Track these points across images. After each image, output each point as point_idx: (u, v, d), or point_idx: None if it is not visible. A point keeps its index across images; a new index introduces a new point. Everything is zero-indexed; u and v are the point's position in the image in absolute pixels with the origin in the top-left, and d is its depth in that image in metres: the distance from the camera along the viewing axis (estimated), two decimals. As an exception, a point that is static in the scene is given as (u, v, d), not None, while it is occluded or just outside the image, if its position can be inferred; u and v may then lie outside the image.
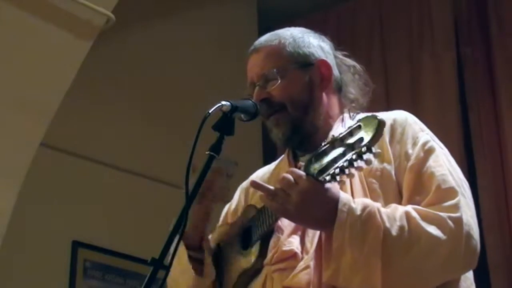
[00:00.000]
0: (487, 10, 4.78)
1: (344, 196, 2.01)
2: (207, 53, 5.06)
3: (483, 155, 4.55)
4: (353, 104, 2.30)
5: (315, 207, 1.98)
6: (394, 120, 2.18)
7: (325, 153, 1.93)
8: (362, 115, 1.92)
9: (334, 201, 1.98)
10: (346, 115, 2.28)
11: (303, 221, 2.04)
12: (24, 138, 3.68)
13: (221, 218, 2.44)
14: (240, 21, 5.30)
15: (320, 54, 2.29)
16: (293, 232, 2.11)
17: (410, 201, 2.07)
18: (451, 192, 2.06)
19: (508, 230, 4.36)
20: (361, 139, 1.86)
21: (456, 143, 4.59)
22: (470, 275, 2.13)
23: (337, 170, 1.90)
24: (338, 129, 2.19)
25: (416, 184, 2.09)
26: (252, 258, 2.16)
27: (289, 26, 2.38)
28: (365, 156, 1.85)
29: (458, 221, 2.01)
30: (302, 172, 1.97)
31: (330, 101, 2.28)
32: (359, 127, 1.88)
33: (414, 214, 2.00)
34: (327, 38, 2.36)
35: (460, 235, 2.01)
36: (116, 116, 4.69)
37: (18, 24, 3.57)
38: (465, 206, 2.05)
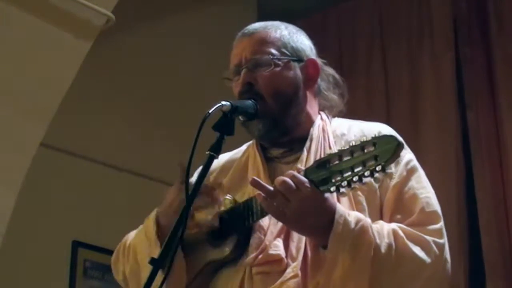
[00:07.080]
0: (487, 10, 4.77)
1: (340, 207, 2.01)
2: (207, 53, 5.06)
3: (482, 155, 4.54)
4: (330, 110, 2.32)
5: (312, 215, 1.97)
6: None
7: (329, 162, 1.92)
8: (380, 134, 1.89)
9: (331, 212, 1.98)
10: (324, 115, 2.29)
11: (297, 227, 2.03)
12: (24, 138, 3.68)
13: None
14: (240, 21, 5.27)
15: (310, 54, 2.31)
16: (278, 235, 2.10)
17: (392, 219, 2.10)
18: (435, 216, 2.11)
19: (505, 231, 4.34)
20: (376, 157, 1.85)
21: (455, 143, 4.59)
22: None
23: (344, 183, 1.89)
24: (318, 129, 2.21)
25: (398, 203, 2.12)
26: (226, 250, 2.14)
27: (289, 26, 2.38)
28: (376, 174, 1.85)
29: (442, 247, 2.07)
30: (304, 179, 1.96)
31: (311, 102, 2.29)
32: (373, 144, 1.86)
33: (401, 233, 2.03)
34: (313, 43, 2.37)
35: (442, 261, 2.07)
36: (116, 116, 4.69)
37: (18, 24, 3.57)
38: (445, 231, 2.10)
